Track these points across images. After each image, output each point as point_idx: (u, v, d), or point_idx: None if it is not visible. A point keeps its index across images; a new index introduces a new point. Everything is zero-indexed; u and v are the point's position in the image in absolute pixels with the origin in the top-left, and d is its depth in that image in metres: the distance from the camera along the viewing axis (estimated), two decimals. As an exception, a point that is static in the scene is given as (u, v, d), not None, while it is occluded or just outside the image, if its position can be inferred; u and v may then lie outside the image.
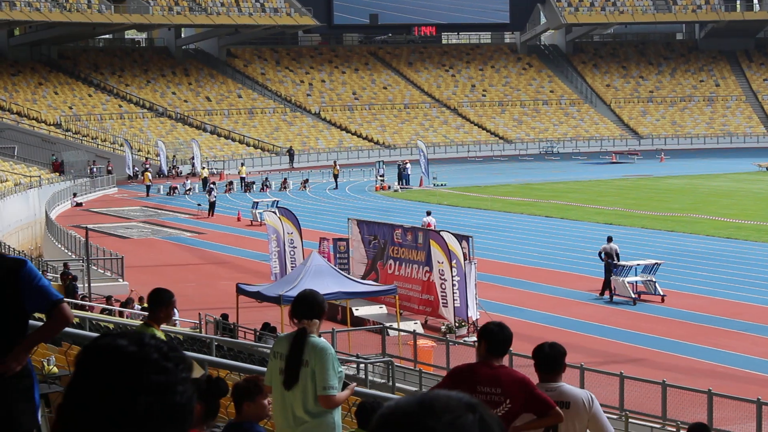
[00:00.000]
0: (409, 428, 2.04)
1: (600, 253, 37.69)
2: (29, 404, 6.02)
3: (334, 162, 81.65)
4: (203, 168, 79.70)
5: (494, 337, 7.61)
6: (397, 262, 34.70)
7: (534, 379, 7.84)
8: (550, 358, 7.79)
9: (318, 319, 7.82)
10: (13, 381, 5.88)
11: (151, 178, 75.80)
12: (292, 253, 37.74)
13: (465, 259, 31.59)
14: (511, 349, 24.34)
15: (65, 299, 6.15)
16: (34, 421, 6.08)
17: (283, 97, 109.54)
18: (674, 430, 20.03)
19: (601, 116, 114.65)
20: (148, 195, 73.06)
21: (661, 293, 35.34)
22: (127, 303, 32.39)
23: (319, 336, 7.96)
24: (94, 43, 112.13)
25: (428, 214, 47.17)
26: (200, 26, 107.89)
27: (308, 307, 7.83)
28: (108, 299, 32.85)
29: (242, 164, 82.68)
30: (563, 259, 43.75)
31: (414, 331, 29.10)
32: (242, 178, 76.62)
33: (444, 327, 31.30)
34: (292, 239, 37.89)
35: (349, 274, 33.27)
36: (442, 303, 31.71)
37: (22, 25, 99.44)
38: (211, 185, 65.37)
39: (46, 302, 5.98)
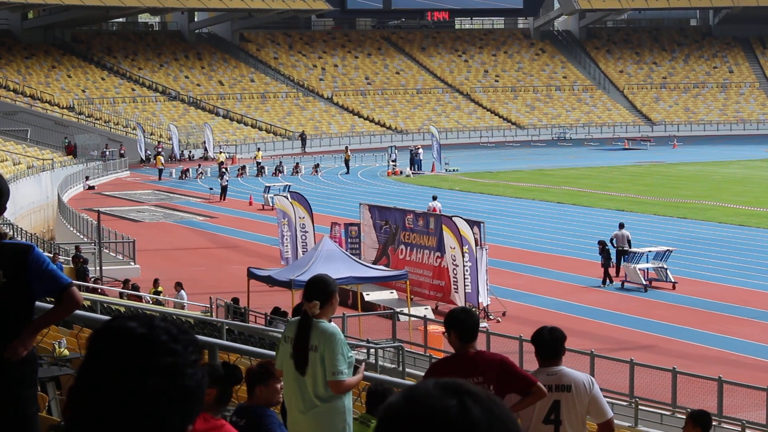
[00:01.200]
0: (399, 423, 2.07)
1: (611, 240, 37.71)
2: (33, 389, 6.04)
3: (346, 147, 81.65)
4: (220, 152, 79.57)
5: (463, 325, 7.58)
6: (409, 248, 34.72)
7: (517, 361, 7.86)
8: (550, 343, 7.82)
9: (320, 300, 7.80)
10: (18, 366, 5.91)
11: (163, 161, 75.88)
12: (303, 237, 37.77)
13: (477, 245, 31.60)
14: (521, 334, 24.21)
15: (74, 282, 6.17)
16: (37, 407, 6.11)
17: (295, 82, 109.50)
18: (684, 417, 20.03)
19: (614, 102, 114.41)
20: (160, 179, 73.17)
21: (673, 280, 35.32)
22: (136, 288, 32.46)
23: (330, 321, 7.98)
24: (108, 27, 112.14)
25: (434, 198, 47.31)
26: (213, 10, 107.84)
27: (312, 288, 7.85)
28: (125, 283, 32.91)
29: (258, 149, 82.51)
30: (575, 245, 43.72)
31: (425, 316, 29.10)
32: (258, 163, 76.62)
33: (455, 312, 31.26)
34: (303, 224, 37.91)
35: (360, 259, 33.31)
36: (453, 288, 31.74)
37: (35, 8, 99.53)
38: (223, 169, 65.45)
39: (57, 286, 5.99)
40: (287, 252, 38.62)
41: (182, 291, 31.94)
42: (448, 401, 2.05)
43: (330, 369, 7.63)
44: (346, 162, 77.41)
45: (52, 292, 6.04)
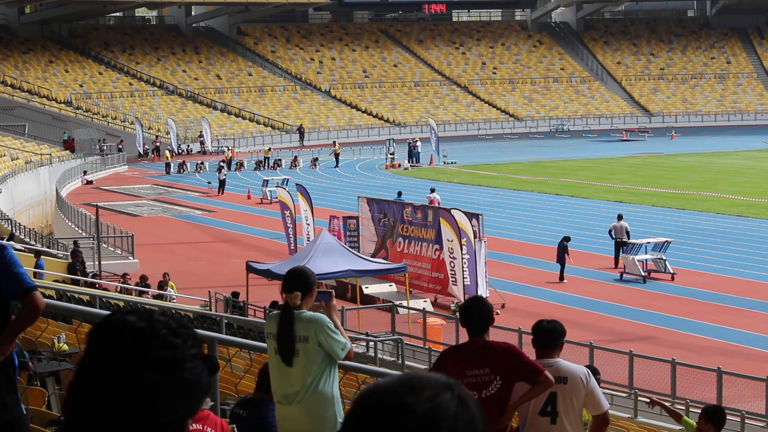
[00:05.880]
0: (389, 406, 2.07)
1: (610, 231, 37.76)
2: (13, 394, 6.00)
3: (334, 141, 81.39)
4: (230, 148, 79.28)
5: (470, 318, 7.65)
6: (407, 240, 34.72)
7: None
8: (548, 334, 7.83)
9: (301, 291, 7.80)
10: None
11: (169, 156, 75.57)
12: (307, 229, 37.81)
13: (475, 237, 31.59)
14: (520, 327, 24.20)
15: (38, 287, 6.10)
16: (19, 411, 6.05)
17: (293, 75, 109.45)
18: (684, 408, 20.04)
19: (611, 94, 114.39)
20: (168, 173, 72.83)
21: (671, 271, 35.34)
22: (146, 285, 32.47)
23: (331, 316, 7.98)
24: (105, 21, 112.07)
25: (432, 191, 47.48)
26: (210, 4, 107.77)
27: (292, 280, 7.84)
28: (124, 276, 32.89)
29: (269, 149, 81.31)
30: (573, 237, 43.64)
31: (423, 309, 29.13)
32: (266, 158, 76.28)
33: (453, 305, 31.34)
34: (307, 216, 37.97)
35: (358, 252, 33.33)
36: (452, 281, 31.73)
37: (32, 3, 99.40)
38: (221, 163, 65.39)
39: (19, 288, 5.93)
40: (292, 243, 38.64)
41: (170, 289, 32.03)
42: (446, 393, 2.08)
43: (336, 349, 7.61)
44: (336, 156, 77.16)
45: (15, 295, 5.98)
